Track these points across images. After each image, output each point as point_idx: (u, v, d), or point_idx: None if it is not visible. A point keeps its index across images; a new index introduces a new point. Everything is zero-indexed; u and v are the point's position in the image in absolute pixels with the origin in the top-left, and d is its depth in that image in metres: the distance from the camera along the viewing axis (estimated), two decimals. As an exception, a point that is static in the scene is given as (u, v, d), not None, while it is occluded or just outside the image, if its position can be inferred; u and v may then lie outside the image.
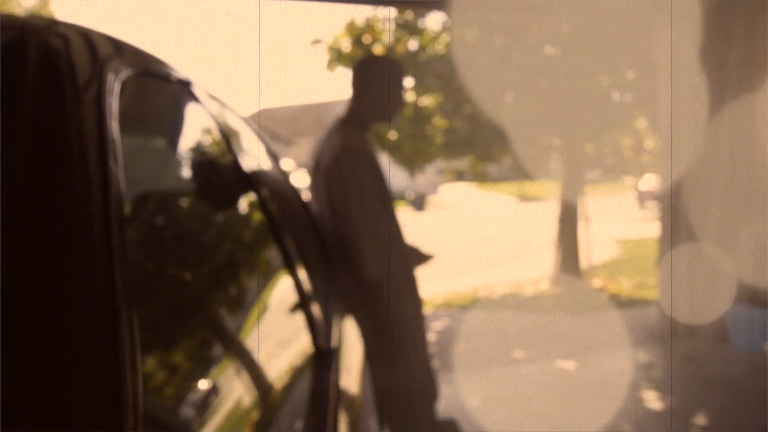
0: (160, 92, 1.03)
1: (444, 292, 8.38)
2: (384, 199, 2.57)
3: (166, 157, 1.06)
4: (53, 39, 0.71)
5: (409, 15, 8.62)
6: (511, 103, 8.08)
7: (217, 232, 1.15)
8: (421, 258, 2.71)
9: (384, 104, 2.67)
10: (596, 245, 9.87)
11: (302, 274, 1.48)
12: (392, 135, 9.38)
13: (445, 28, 8.57)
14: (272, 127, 34.26)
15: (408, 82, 8.85)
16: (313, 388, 1.19)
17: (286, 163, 2.23)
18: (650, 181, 21.62)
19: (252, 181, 1.39)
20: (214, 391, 0.77)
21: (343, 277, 2.39)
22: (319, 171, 2.55)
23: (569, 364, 4.87)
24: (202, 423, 0.70)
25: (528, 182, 31.97)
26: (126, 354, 0.54)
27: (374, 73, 2.69)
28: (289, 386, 1.10)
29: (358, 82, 2.69)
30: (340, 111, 2.75)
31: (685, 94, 5.13)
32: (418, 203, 29.22)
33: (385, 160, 2.77)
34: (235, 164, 1.32)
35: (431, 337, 5.91)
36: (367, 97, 2.66)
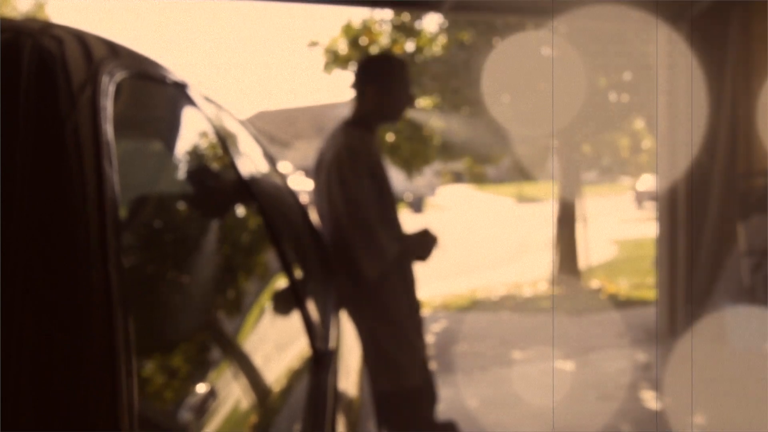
0: (155, 95, 1.03)
1: (442, 293, 8.38)
2: (386, 202, 2.56)
3: (162, 160, 1.06)
4: (48, 41, 0.70)
5: (405, 17, 8.62)
6: (509, 104, 8.08)
7: (214, 235, 1.15)
8: (430, 240, 2.62)
9: (389, 104, 2.61)
10: (594, 246, 9.87)
11: (300, 276, 1.48)
12: (390, 137, 9.38)
13: (442, 30, 8.56)
14: (269, 129, 34.27)
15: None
16: (311, 390, 1.19)
17: (284, 166, 2.23)
18: (648, 182, 21.65)
19: (249, 184, 1.39)
20: (212, 394, 0.76)
21: (341, 278, 2.39)
22: (321, 170, 2.54)
23: (568, 365, 4.87)
24: (200, 426, 0.70)
25: (526, 183, 32.02)
26: (122, 356, 0.54)
27: (376, 73, 2.63)
28: (287, 389, 1.10)
29: (359, 83, 2.63)
30: (339, 113, 2.72)
31: (683, 94, 5.13)
32: (417, 205, 29.23)
33: (384, 162, 2.73)
34: (232, 167, 1.32)
35: (430, 338, 5.91)
36: (370, 97, 2.60)
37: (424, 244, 2.61)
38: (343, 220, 2.43)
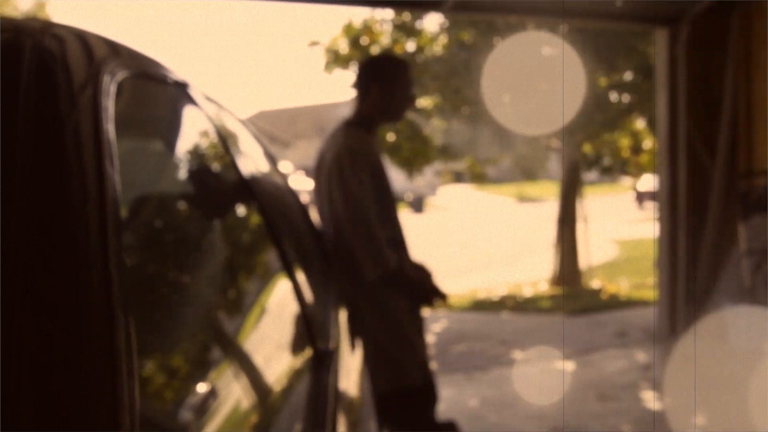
0: (156, 94, 1.03)
1: (443, 293, 8.36)
2: (386, 203, 2.55)
3: (163, 160, 1.05)
4: (48, 40, 0.70)
5: (406, 16, 8.61)
6: (509, 104, 8.08)
7: (215, 235, 1.15)
8: (432, 293, 2.57)
9: (389, 105, 2.60)
10: (595, 246, 9.87)
11: (301, 276, 1.47)
12: (390, 137, 9.37)
13: (443, 30, 8.56)
14: (270, 129, 34.27)
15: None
16: (312, 390, 1.19)
17: (284, 166, 2.23)
18: (648, 182, 21.65)
19: (250, 183, 1.39)
20: (212, 394, 0.76)
21: (341, 278, 2.39)
22: (321, 171, 2.53)
23: (569, 365, 4.87)
24: (200, 426, 0.70)
25: (526, 183, 32.01)
26: (123, 357, 0.54)
27: (379, 73, 2.63)
28: (288, 389, 1.10)
29: (362, 83, 2.62)
30: (340, 113, 2.70)
31: (683, 93, 5.13)
32: (417, 205, 29.22)
33: (384, 162, 2.71)
34: (233, 167, 1.32)
35: (430, 338, 5.91)
36: (373, 97, 2.59)
37: (420, 280, 2.57)
38: (344, 221, 2.43)
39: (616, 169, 10.21)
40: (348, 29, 8.76)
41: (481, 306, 7.71)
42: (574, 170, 8.87)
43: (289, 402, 1.06)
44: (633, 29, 6.96)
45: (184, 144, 1.14)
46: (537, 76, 7.74)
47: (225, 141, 1.32)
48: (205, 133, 1.22)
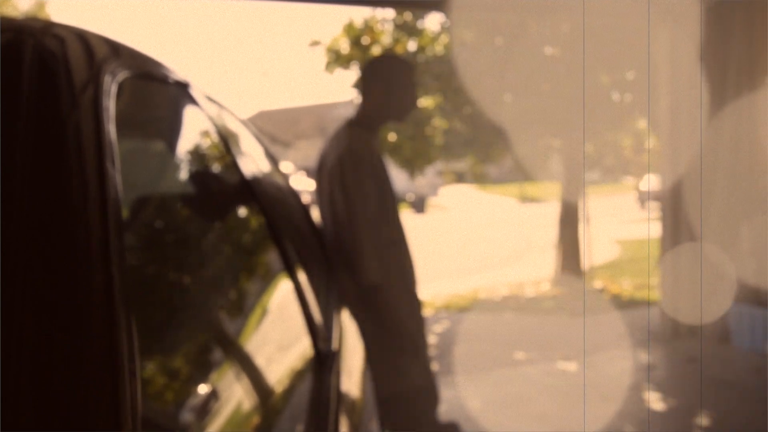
0: (157, 94, 1.03)
1: (444, 294, 8.37)
2: (387, 203, 2.55)
3: (164, 160, 1.05)
4: (49, 41, 0.70)
5: (407, 16, 8.62)
6: (511, 103, 8.07)
7: (216, 235, 1.14)
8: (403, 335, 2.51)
9: (393, 105, 2.60)
10: (597, 246, 9.86)
11: (302, 277, 1.47)
12: (392, 136, 9.37)
13: (444, 29, 8.56)
14: (271, 129, 34.27)
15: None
16: (314, 391, 1.18)
17: (285, 166, 2.23)
18: (651, 182, 21.64)
19: (251, 184, 1.39)
20: (214, 395, 0.76)
21: (343, 279, 2.38)
22: (323, 172, 2.53)
23: (571, 366, 4.86)
24: (202, 427, 0.69)
25: (528, 183, 32.00)
26: (124, 358, 0.54)
27: (383, 73, 2.63)
28: (290, 390, 1.09)
29: (366, 83, 2.62)
30: (341, 113, 2.71)
31: (685, 93, 5.13)
32: (419, 205, 29.24)
33: (386, 163, 2.72)
34: (234, 167, 1.32)
35: (432, 339, 5.90)
36: (375, 98, 2.59)
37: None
38: (345, 223, 2.43)
39: (618, 169, 10.21)
40: (349, 29, 8.76)
41: (483, 306, 7.70)
42: (575, 170, 8.87)
43: (290, 403, 1.06)
44: (633, 29, 6.96)
45: (185, 144, 1.14)
46: (539, 76, 7.73)
47: (226, 141, 1.32)
48: (206, 134, 1.22)
